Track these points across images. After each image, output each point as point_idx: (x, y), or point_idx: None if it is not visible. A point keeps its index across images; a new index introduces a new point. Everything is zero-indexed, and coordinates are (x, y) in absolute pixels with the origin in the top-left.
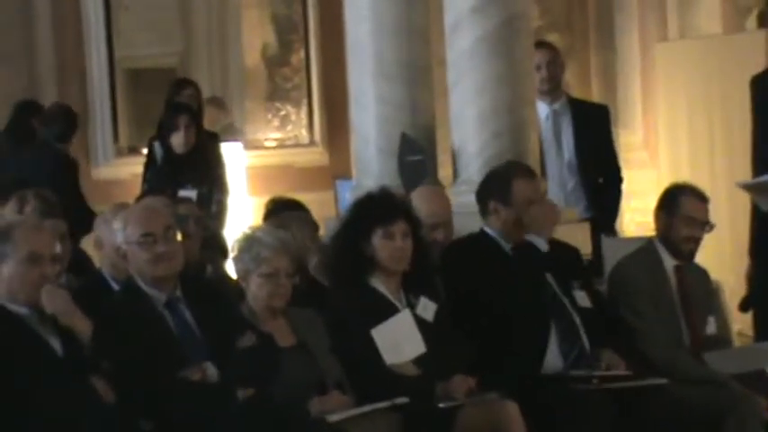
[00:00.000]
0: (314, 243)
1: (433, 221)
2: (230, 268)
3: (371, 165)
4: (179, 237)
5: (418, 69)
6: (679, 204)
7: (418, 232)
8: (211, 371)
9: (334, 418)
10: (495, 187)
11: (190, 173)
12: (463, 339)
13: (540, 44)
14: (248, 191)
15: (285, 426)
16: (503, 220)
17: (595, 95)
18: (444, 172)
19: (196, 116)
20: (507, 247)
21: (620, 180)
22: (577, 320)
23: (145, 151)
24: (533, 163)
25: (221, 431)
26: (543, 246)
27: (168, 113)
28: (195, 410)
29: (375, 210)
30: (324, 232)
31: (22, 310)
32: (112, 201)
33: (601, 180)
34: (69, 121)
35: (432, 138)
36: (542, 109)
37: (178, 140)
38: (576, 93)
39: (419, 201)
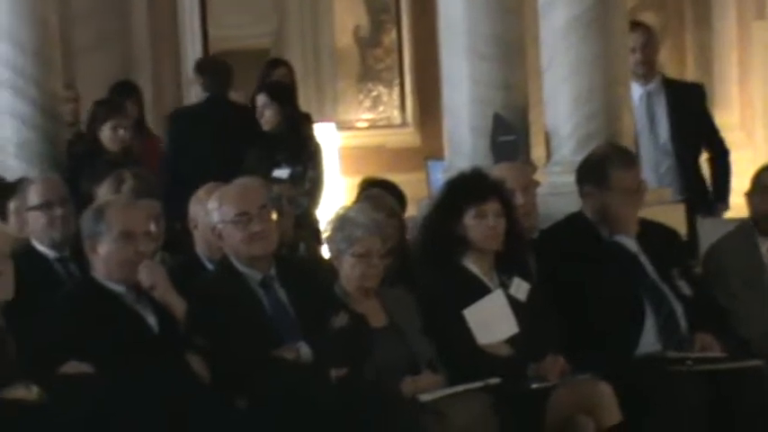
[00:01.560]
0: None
1: (510, 186)
2: (322, 248)
3: (464, 145)
4: (273, 216)
5: (511, 49)
6: (762, 180)
7: (511, 212)
8: (305, 350)
9: (426, 397)
10: (592, 171)
11: (284, 151)
12: (556, 320)
13: (635, 25)
14: (341, 171)
15: (377, 405)
16: (597, 205)
17: (690, 74)
18: (537, 152)
19: (277, 95)
20: (605, 230)
21: (725, 152)
22: (678, 310)
23: None
24: (627, 144)
25: (314, 410)
26: (632, 246)
27: (257, 93)
28: (288, 389)
29: (467, 189)
30: (416, 213)
31: (118, 287)
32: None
33: (705, 156)
34: (227, 70)
35: (525, 118)
36: (636, 90)
37: (263, 119)
38: (671, 72)
39: (499, 171)
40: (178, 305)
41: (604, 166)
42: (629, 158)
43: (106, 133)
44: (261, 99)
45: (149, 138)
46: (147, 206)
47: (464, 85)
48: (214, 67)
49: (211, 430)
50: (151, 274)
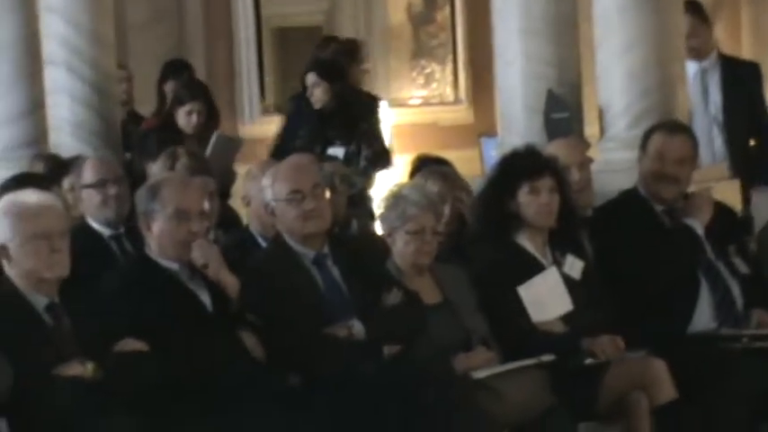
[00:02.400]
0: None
1: (565, 163)
2: (374, 225)
3: (517, 122)
4: (327, 194)
5: (564, 25)
6: None
7: (565, 189)
8: (358, 328)
9: (479, 374)
10: (642, 138)
11: (336, 129)
12: (610, 298)
13: (689, 6)
14: (396, 148)
15: (430, 382)
16: (641, 170)
17: (746, 51)
18: (591, 129)
19: (327, 73)
20: (659, 207)
21: None
22: (734, 288)
23: None
24: (681, 120)
25: (367, 387)
26: (700, 230)
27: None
28: (341, 367)
29: (521, 165)
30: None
31: (172, 265)
32: (257, 159)
33: (752, 142)
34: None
35: (578, 95)
36: (691, 66)
37: (313, 98)
38: (726, 48)
39: (553, 148)
40: (231, 283)
41: (649, 130)
42: (673, 126)
43: (182, 116)
44: (310, 78)
45: None
46: (201, 184)
47: (517, 62)
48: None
49: (265, 407)
50: (204, 253)
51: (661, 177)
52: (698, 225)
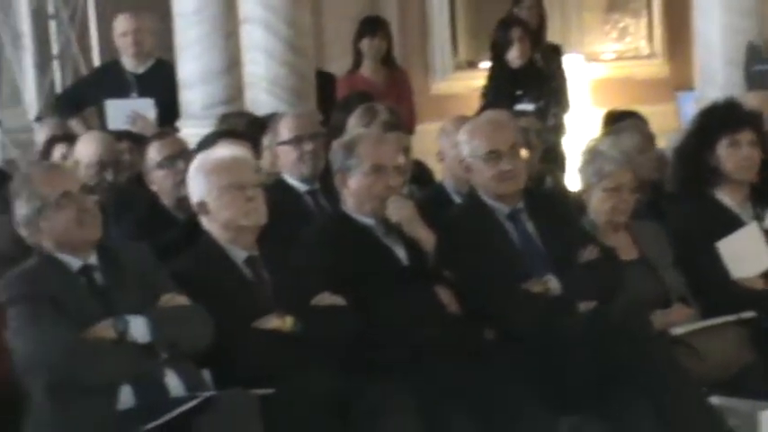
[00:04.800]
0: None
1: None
2: (568, 181)
3: (716, 75)
4: (523, 153)
5: None
6: None
7: (766, 142)
8: (554, 284)
9: (678, 331)
10: None
11: (527, 87)
12: None
13: None
14: (591, 103)
15: (627, 339)
16: None
17: None
18: None
19: (530, 29)
20: None
21: None
22: None
23: (482, 65)
24: None
25: (562, 343)
26: None
27: (501, 28)
28: (537, 322)
29: (721, 118)
30: (665, 145)
31: (367, 220)
32: (449, 115)
33: None
34: None
35: None
36: None
37: (513, 55)
38: None
39: (752, 100)
40: (426, 238)
41: None
42: None
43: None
44: (513, 34)
45: (396, 71)
46: (396, 139)
47: (716, 13)
48: None
49: (460, 362)
50: (399, 208)
51: None
52: None
